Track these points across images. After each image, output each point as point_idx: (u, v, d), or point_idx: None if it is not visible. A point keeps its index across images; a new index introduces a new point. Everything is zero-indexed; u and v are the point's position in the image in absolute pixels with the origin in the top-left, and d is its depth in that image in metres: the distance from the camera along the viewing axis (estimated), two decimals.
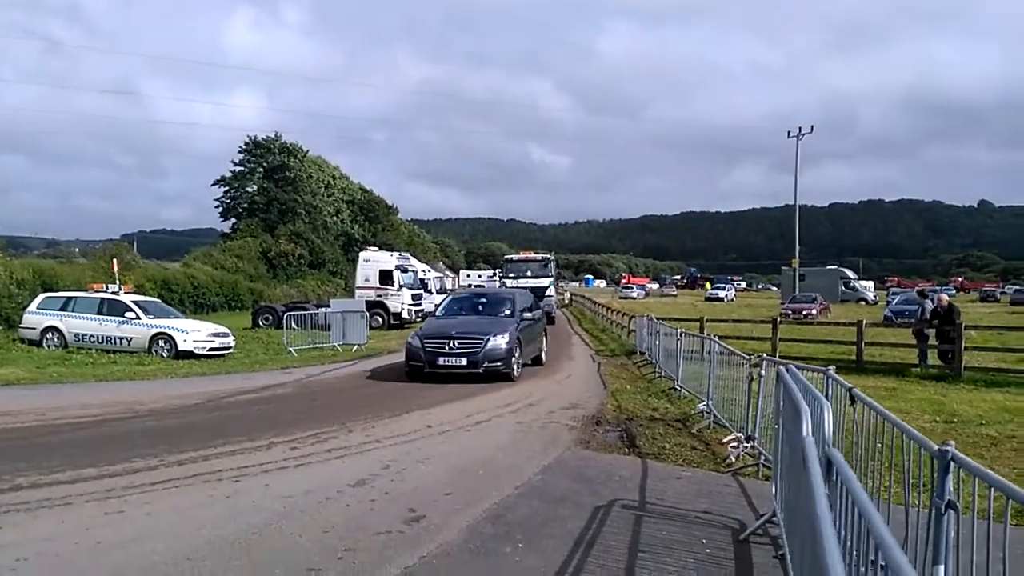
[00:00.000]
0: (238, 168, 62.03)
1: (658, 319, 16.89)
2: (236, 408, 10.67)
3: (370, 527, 5.14)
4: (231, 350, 18.10)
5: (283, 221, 57.78)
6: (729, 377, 9.01)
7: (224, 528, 5.04)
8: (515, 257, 36.13)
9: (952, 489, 2.73)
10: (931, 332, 15.40)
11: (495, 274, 50.53)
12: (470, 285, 55.27)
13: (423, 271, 35.15)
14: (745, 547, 4.89)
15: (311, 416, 9.72)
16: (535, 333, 15.60)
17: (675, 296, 73.71)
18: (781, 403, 4.96)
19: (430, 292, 32.12)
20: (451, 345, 13.10)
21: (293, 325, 19.70)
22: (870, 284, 65.90)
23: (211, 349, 17.40)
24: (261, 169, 61.43)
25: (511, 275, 33.23)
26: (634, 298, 60.05)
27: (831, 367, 5.58)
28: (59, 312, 18.02)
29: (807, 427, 3.39)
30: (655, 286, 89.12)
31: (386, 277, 29.35)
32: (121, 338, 17.32)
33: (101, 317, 17.58)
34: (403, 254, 33.79)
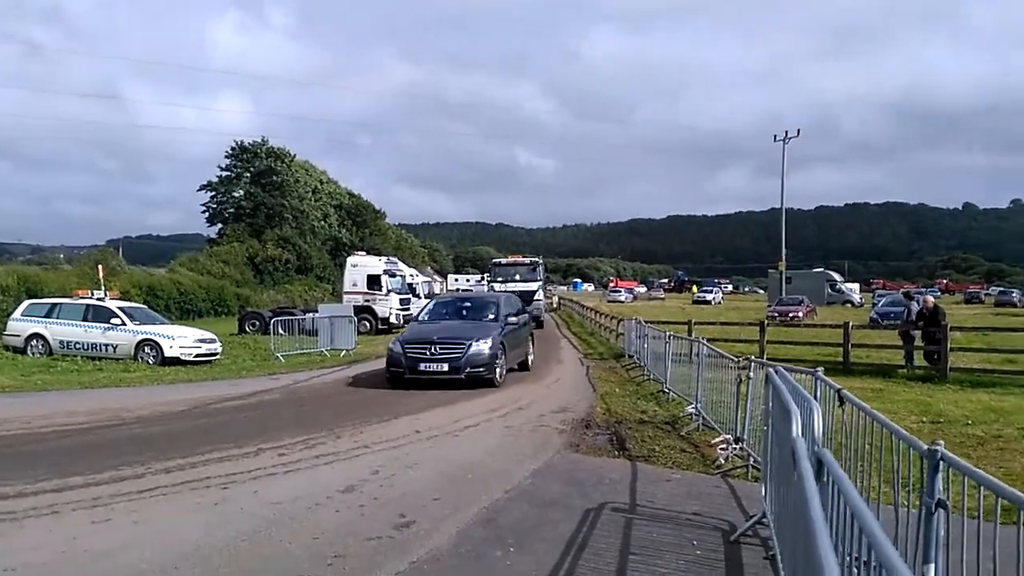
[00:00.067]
0: (225, 173, 61.84)
1: (646, 322, 16.94)
2: (223, 415, 10.58)
3: (360, 533, 5.12)
4: (218, 356, 17.99)
5: (270, 226, 57.58)
6: (717, 380, 9.05)
7: (213, 535, 5.00)
8: (503, 261, 36.09)
9: (942, 488, 2.76)
10: (917, 333, 15.56)
11: (483, 278, 50.53)
12: (458, 289, 55.27)
13: (411, 276, 35.09)
14: (736, 548, 4.90)
15: (299, 422, 9.66)
16: (521, 338, 15.46)
17: (663, 299, 73.79)
18: (770, 405, 4.98)
19: (418, 297, 32.06)
20: (432, 350, 12.88)
21: (280, 330, 19.60)
22: (856, 286, 66.40)
23: (198, 355, 17.26)
24: (248, 174, 61.18)
25: (499, 279, 33.22)
26: (622, 301, 60.06)
27: (819, 369, 5.63)
28: (44, 319, 17.86)
29: (796, 428, 3.40)
30: (643, 289, 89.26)
31: (374, 282, 29.33)
32: (107, 345, 17.18)
33: (86, 324, 17.42)
34: (391, 259, 33.75)
